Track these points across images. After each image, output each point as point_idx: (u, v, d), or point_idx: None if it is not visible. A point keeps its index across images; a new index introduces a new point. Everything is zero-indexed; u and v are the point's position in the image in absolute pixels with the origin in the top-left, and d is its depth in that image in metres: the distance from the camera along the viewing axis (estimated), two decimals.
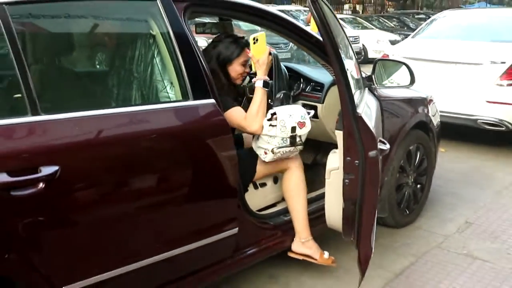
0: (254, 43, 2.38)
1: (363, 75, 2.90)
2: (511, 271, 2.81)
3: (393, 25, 15.95)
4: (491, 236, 3.24)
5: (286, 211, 2.62)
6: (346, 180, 2.15)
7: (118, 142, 1.89)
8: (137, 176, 1.94)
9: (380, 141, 2.35)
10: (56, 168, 1.66)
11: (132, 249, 1.95)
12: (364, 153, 2.11)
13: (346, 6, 24.00)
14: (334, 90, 2.83)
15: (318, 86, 3.15)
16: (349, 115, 2.09)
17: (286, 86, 2.98)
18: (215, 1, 2.50)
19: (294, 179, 2.53)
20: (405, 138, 3.14)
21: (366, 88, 2.84)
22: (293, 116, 2.41)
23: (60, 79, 2.09)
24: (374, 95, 2.94)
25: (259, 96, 2.38)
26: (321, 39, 2.27)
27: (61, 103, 1.92)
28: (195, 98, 2.10)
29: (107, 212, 1.86)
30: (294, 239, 2.55)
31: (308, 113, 2.48)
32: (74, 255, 1.80)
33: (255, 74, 2.45)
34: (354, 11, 21.71)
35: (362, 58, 12.83)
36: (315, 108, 3.02)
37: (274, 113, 2.39)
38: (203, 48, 2.57)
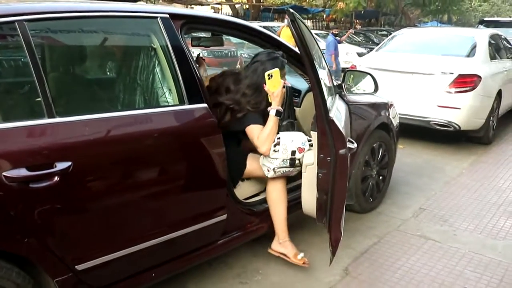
0: (269, 78, 2.30)
1: (335, 83, 2.90)
2: (457, 249, 2.85)
3: (360, 40, 15.97)
4: (440, 220, 3.28)
5: None
6: (320, 174, 2.15)
7: (123, 141, 1.87)
8: (140, 170, 1.92)
9: (349, 140, 2.35)
10: (69, 163, 1.65)
11: (136, 232, 1.94)
12: (335, 151, 2.11)
13: (321, 24, 24.43)
14: (310, 96, 2.84)
15: (296, 92, 3.14)
16: (322, 118, 2.09)
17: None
18: (208, 18, 2.48)
19: (277, 191, 2.47)
20: (369, 137, 3.15)
21: (337, 95, 2.84)
22: (295, 141, 2.39)
23: (73, 86, 2.07)
24: (344, 100, 2.94)
25: (271, 123, 2.36)
26: (298, 52, 2.26)
27: (73, 107, 1.90)
28: (190, 103, 2.09)
29: (114, 200, 1.85)
30: (274, 239, 2.54)
31: (309, 141, 2.43)
32: (85, 238, 1.78)
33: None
34: (327, 28, 21.79)
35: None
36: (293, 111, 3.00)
37: (279, 138, 2.38)
38: (246, 64, 2.47)
